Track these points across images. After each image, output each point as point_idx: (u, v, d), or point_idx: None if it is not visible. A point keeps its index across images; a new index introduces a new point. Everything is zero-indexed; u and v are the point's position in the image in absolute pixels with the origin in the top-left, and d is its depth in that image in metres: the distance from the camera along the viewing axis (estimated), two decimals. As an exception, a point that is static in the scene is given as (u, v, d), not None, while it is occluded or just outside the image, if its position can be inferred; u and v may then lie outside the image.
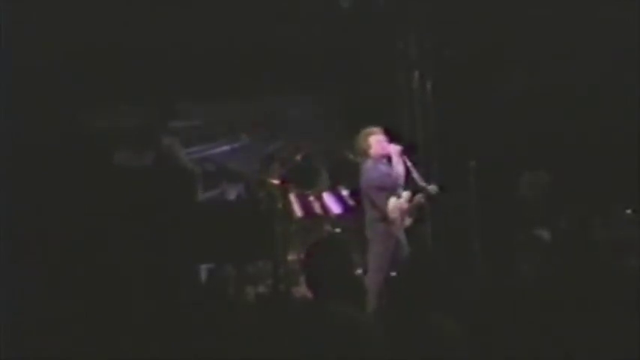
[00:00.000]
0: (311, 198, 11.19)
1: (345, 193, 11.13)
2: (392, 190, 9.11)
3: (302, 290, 10.42)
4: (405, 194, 9.21)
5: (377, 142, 9.19)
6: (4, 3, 10.17)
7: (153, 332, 8.07)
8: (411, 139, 11.55)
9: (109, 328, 8.32)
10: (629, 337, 6.89)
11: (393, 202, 9.08)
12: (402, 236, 9.22)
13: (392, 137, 9.39)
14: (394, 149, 9.16)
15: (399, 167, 9.13)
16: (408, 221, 9.28)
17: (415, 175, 9.18)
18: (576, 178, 10.98)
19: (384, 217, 9.08)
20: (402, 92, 12.15)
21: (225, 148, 12.21)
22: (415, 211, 9.37)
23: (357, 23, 11.63)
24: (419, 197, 9.26)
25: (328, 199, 11.20)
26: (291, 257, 10.89)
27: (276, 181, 11.01)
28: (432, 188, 9.18)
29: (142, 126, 11.78)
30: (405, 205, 9.15)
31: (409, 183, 9.33)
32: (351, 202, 11.04)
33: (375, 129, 9.25)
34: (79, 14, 10.87)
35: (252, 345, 7.46)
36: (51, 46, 10.78)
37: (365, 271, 10.22)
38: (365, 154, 9.21)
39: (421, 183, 9.21)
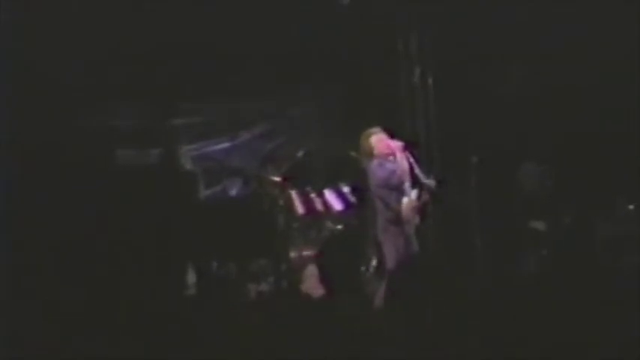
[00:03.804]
0: (312, 195, 11.18)
1: (346, 189, 11.12)
2: (398, 188, 9.10)
3: (305, 287, 10.44)
4: (414, 192, 9.21)
5: (378, 140, 9.24)
6: (5, 3, 10.18)
7: (155, 329, 8.09)
8: (413, 136, 11.56)
9: (110, 326, 8.34)
10: (629, 332, 6.90)
11: (406, 201, 9.08)
12: (413, 234, 9.23)
13: (393, 134, 9.40)
14: (396, 145, 9.18)
15: (403, 163, 9.14)
16: (417, 219, 9.29)
17: (418, 171, 9.20)
18: (579, 174, 10.98)
19: (397, 218, 9.09)
20: (403, 89, 12.14)
21: (226, 145, 12.20)
22: (423, 208, 9.39)
23: (358, 21, 11.62)
24: (424, 194, 9.27)
25: (329, 195, 11.19)
26: (292, 254, 10.88)
27: (277, 179, 11.00)
28: (430, 182, 9.19)
29: (143, 124, 11.78)
30: (416, 203, 9.16)
31: (413, 179, 9.32)
32: (352, 199, 11.04)
33: (375, 129, 9.31)
34: (80, 14, 10.88)
35: (254, 342, 7.48)
36: (51, 46, 10.79)
37: (367, 269, 10.25)
38: (370, 155, 9.25)
39: (424, 180, 9.22)
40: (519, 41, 11.51)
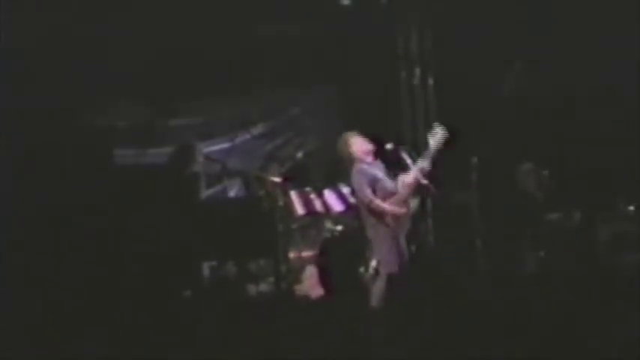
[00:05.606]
0: (312, 195, 11.17)
1: (345, 190, 11.09)
2: (375, 193, 8.93)
3: (305, 288, 10.44)
4: (415, 169, 8.93)
5: (355, 143, 9.09)
6: (5, 3, 10.19)
7: (155, 329, 8.10)
8: (412, 136, 11.57)
9: (110, 326, 8.35)
10: (629, 332, 6.91)
11: (401, 179, 8.91)
12: (403, 238, 9.14)
13: (373, 137, 9.21)
14: (368, 149, 8.99)
15: (374, 168, 8.98)
16: (407, 224, 9.16)
17: (408, 161, 8.96)
18: (579, 174, 10.98)
19: (382, 221, 8.98)
20: (403, 89, 12.15)
21: (226, 145, 12.21)
22: (418, 190, 9.12)
23: (358, 21, 11.63)
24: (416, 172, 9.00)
25: (329, 196, 11.18)
26: (292, 255, 10.87)
27: (276, 179, 10.99)
28: (424, 164, 8.88)
29: (143, 124, 11.79)
30: (410, 180, 8.91)
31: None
32: (352, 200, 11.01)
33: (350, 133, 9.15)
34: (79, 14, 10.88)
35: (254, 342, 7.48)
36: (51, 46, 10.79)
37: (366, 270, 10.23)
38: (350, 160, 9.09)
39: (413, 165, 8.95)
40: (519, 41, 11.53)
